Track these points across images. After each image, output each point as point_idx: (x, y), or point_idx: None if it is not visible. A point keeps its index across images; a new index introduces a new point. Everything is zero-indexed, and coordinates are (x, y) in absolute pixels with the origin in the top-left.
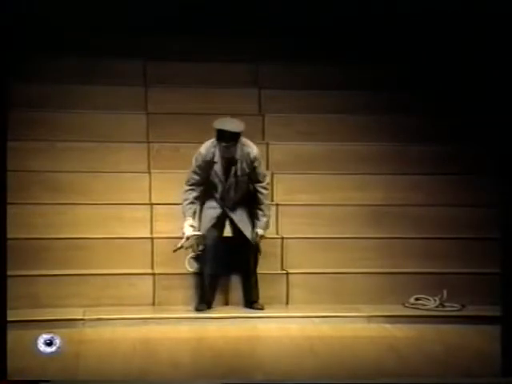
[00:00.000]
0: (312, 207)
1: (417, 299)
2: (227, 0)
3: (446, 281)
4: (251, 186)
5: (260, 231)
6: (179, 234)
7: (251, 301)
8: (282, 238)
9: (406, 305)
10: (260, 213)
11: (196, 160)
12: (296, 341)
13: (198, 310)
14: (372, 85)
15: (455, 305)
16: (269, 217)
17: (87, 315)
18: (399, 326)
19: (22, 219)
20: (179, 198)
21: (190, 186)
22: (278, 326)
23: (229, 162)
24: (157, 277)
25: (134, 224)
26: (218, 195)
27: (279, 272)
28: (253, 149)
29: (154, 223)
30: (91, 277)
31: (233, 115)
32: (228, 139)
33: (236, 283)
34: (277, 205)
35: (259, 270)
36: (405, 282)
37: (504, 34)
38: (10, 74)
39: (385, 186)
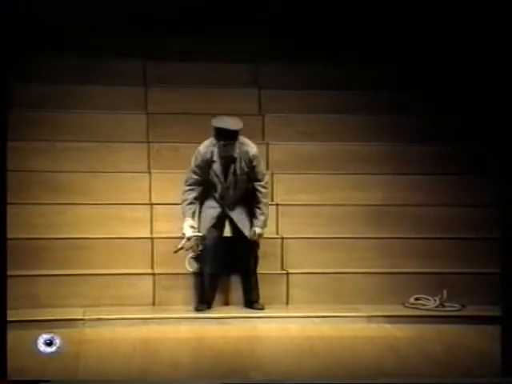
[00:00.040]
0: (312, 207)
1: (417, 299)
2: (227, 0)
3: (446, 281)
4: (250, 185)
5: (258, 229)
6: (179, 234)
7: (251, 301)
8: (282, 238)
9: (406, 305)
10: (258, 211)
11: (195, 159)
12: (296, 341)
13: (197, 309)
14: (372, 85)
15: (455, 305)
16: (267, 215)
17: (87, 315)
18: (399, 325)
19: (22, 219)
20: (179, 198)
21: (189, 186)
22: (278, 326)
23: (227, 161)
24: (157, 277)
25: (134, 224)
26: (217, 194)
27: (279, 272)
28: (251, 147)
29: (154, 223)
30: (91, 277)
31: (233, 115)
32: (226, 137)
33: (236, 283)
34: (277, 205)
35: (259, 270)
36: (405, 282)
37: (504, 34)
38: (10, 73)
39: (385, 186)
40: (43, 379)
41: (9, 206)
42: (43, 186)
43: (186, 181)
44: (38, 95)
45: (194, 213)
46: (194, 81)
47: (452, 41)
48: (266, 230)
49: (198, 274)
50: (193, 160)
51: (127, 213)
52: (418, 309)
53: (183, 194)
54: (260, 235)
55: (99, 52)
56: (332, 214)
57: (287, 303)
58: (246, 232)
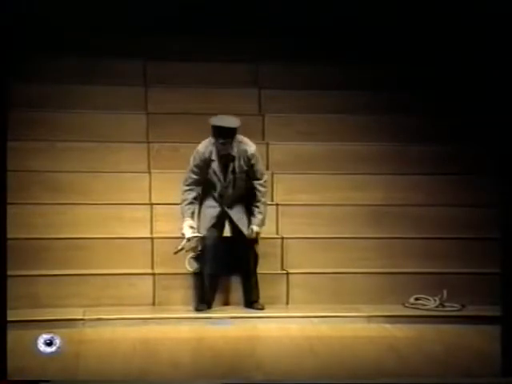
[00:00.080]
0: (312, 207)
1: (417, 299)
2: (227, 0)
3: (446, 281)
4: (249, 184)
5: (255, 228)
6: (179, 235)
7: (251, 301)
8: (282, 238)
9: (406, 305)
10: (256, 210)
11: (194, 159)
12: (296, 341)
13: (197, 310)
14: (372, 85)
15: (455, 305)
16: (265, 214)
17: (87, 315)
18: (399, 325)
19: (22, 219)
20: (179, 198)
21: (189, 185)
22: (278, 326)
23: (226, 159)
24: (157, 277)
25: (134, 224)
26: (216, 193)
27: (279, 272)
28: (250, 146)
29: (154, 223)
30: (91, 277)
31: (233, 115)
32: (224, 135)
33: (236, 283)
34: (277, 205)
35: (259, 270)
36: (405, 282)
37: (504, 34)
38: (10, 73)
39: (385, 185)
40: (43, 379)
41: (9, 206)
42: (43, 186)
43: (185, 181)
44: (38, 95)
45: (193, 213)
46: (194, 81)
47: (452, 41)
48: (264, 228)
49: (198, 274)
50: (192, 160)
51: (127, 213)
52: (418, 309)
53: (182, 194)
54: (258, 233)
55: (99, 52)
56: (332, 214)
57: (287, 303)
58: (244, 230)
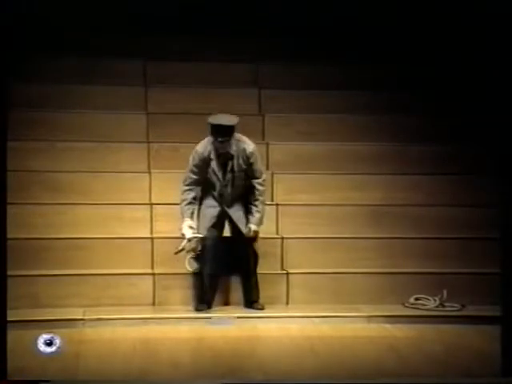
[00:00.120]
0: (312, 207)
1: (417, 299)
2: (227, 0)
3: (445, 281)
4: (248, 182)
5: (253, 227)
6: (179, 235)
7: (251, 301)
8: (282, 238)
9: (406, 305)
10: (254, 208)
11: (193, 159)
12: (296, 341)
13: (197, 310)
14: (372, 85)
15: (455, 305)
16: (263, 213)
17: (87, 315)
18: (399, 325)
19: (22, 219)
20: (179, 198)
21: (188, 185)
22: (278, 326)
23: (225, 158)
24: (157, 277)
25: (134, 224)
26: (215, 193)
27: (279, 272)
28: (249, 145)
29: (154, 223)
30: (91, 277)
31: (233, 115)
32: (222, 133)
33: (236, 283)
34: (277, 205)
35: (259, 270)
36: (405, 282)
37: (504, 34)
38: (10, 73)
39: (385, 186)
40: (43, 379)
41: (9, 206)
42: (43, 185)
43: (185, 181)
44: (38, 95)
45: (192, 213)
46: (194, 81)
47: (452, 41)
48: (264, 228)
49: (198, 274)
50: (191, 159)
51: (127, 213)
52: (418, 309)
53: (182, 194)
54: (256, 232)
55: (99, 52)
56: (332, 213)
57: (287, 303)
58: (242, 227)
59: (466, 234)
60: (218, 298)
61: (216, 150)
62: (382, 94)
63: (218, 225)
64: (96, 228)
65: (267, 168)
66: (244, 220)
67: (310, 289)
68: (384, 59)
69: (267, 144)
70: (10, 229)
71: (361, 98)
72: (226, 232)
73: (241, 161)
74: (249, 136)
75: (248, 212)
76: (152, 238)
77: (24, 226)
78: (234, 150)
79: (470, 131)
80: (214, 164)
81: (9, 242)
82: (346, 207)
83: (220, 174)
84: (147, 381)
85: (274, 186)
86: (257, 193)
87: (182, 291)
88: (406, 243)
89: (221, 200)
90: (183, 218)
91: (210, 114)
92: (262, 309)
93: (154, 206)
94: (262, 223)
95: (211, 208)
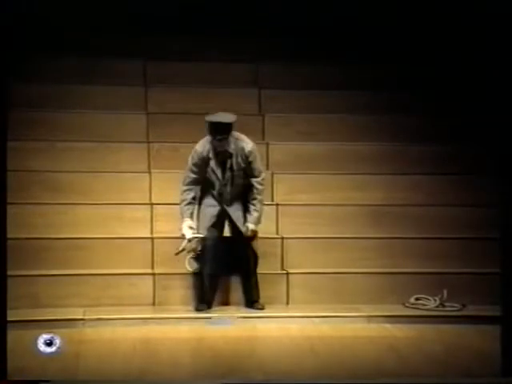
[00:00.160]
0: (312, 207)
1: (417, 299)
2: (227, 0)
3: (445, 281)
4: (247, 181)
5: (251, 226)
6: (179, 235)
7: (251, 301)
8: (282, 238)
9: (406, 305)
10: (252, 207)
11: (192, 158)
12: (296, 341)
13: (197, 309)
14: (372, 85)
15: (455, 305)
16: (261, 212)
17: (87, 315)
18: (399, 325)
19: (22, 219)
20: (178, 198)
21: (187, 185)
22: (278, 326)
23: (223, 156)
24: (157, 277)
25: (134, 224)
26: (215, 192)
27: (279, 272)
28: (247, 143)
29: (154, 223)
30: (91, 277)
31: (231, 113)
32: (221, 131)
33: (236, 283)
34: (277, 205)
35: (259, 270)
36: (405, 282)
37: (504, 34)
38: (10, 73)
39: (385, 185)
40: (43, 379)
41: (9, 206)
42: (43, 185)
43: (184, 180)
44: (38, 95)
45: (192, 213)
46: (194, 81)
47: (452, 41)
48: (264, 228)
49: (198, 274)
50: (190, 159)
51: (127, 213)
52: (418, 309)
53: (181, 194)
54: (253, 231)
55: (99, 52)
56: (332, 214)
57: (287, 303)
58: (240, 226)
59: (466, 233)
60: (218, 297)
61: (214, 148)
62: (382, 94)
63: (217, 224)
64: (96, 228)
65: (267, 168)
66: (243, 219)
67: (310, 289)
68: (384, 59)
69: (267, 144)
70: (10, 229)
71: (361, 98)
72: (226, 232)
73: (239, 159)
74: (249, 136)
75: (246, 211)
76: (152, 238)
77: (24, 226)
78: (232, 148)
79: (470, 131)
80: (212, 163)
81: (9, 242)
82: (346, 207)
83: (219, 173)
84: (147, 381)
85: (274, 185)
86: (255, 191)
87: (182, 291)
88: (407, 243)
89: (220, 199)
90: (183, 218)
91: (210, 114)
92: (262, 309)
93: (154, 205)
94: (260, 222)
95: (211, 207)
